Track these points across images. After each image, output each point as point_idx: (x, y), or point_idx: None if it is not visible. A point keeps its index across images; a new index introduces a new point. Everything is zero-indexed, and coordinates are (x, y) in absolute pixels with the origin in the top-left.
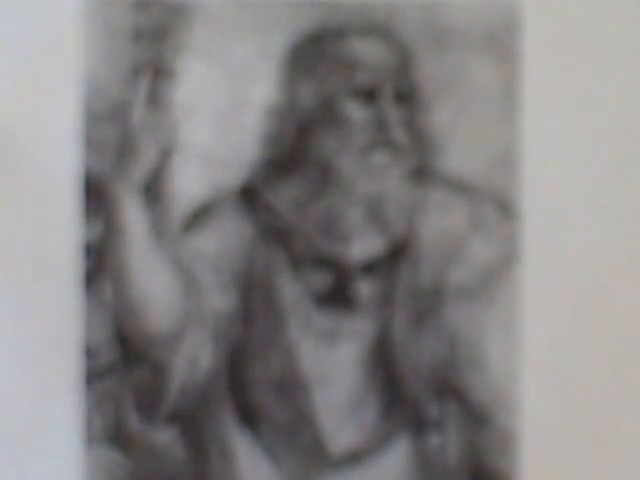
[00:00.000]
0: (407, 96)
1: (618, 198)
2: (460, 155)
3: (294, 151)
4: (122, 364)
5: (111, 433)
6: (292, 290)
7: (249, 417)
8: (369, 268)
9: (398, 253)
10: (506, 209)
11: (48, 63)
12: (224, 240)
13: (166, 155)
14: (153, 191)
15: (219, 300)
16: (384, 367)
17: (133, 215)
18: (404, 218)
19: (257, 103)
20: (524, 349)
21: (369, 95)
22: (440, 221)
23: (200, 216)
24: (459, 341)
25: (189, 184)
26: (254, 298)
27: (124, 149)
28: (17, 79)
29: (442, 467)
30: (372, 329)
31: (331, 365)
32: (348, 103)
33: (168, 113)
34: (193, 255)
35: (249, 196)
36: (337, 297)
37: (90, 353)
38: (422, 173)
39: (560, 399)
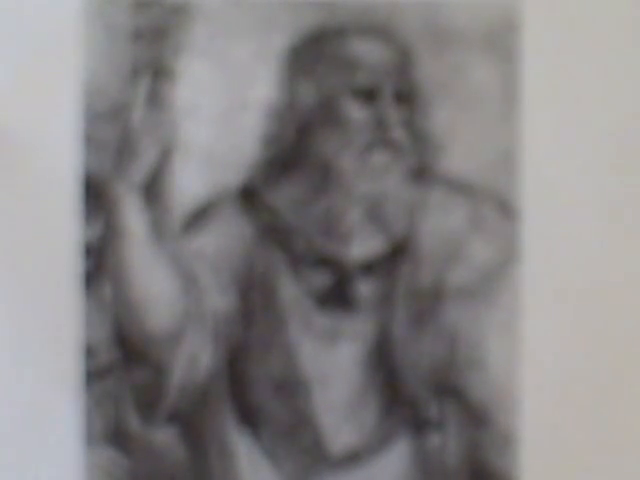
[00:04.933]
0: (407, 96)
1: (618, 198)
2: (460, 155)
3: (294, 151)
4: (122, 364)
5: (111, 433)
6: (292, 290)
7: (249, 417)
8: (369, 268)
9: (398, 253)
10: (506, 209)
11: (48, 63)
12: (224, 240)
13: (166, 155)
14: (153, 191)
15: (219, 300)
16: (384, 367)
17: (133, 215)
18: (404, 218)
19: (257, 103)
20: (524, 349)
21: (369, 95)
22: (440, 221)
23: (200, 216)
24: (459, 341)
25: (189, 184)
26: (254, 298)
27: (124, 149)
28: (17, 79)
29: (442, 467)
30: (372, 329)
31: (331, 365)
32: (348, 103)
33: (168, 113)
34: (193, 255)
35: (249, 196)
36: (337, 297)
37: (90, 353)
38: (422, 173)
39: (560, 399)
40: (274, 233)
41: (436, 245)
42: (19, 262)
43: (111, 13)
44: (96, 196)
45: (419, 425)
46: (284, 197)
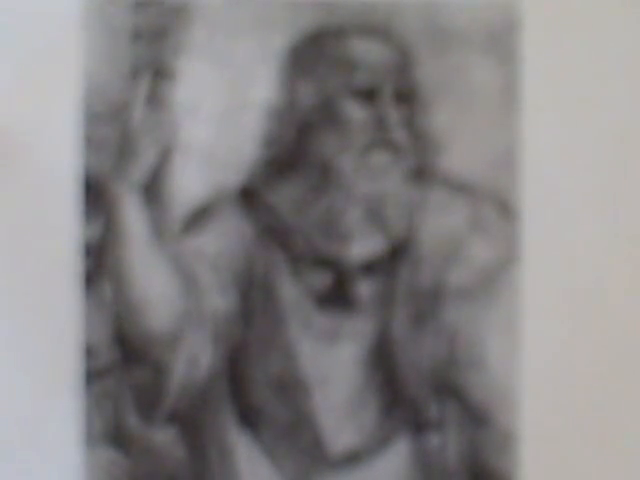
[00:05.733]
0: (407, 96)
1: (618, 198)
2: (460, 155)
3: (294, 151)
4: (122, 364)
5: (111, 433)
6: (292, 290)
7: (249, 417)
8: (369, 268)
9: (398, 253)
10: (506, 209)
11: (48, 63)
12: (224, 240)
13: (166, 155)
14: (153, 191)
15: (219, 300)
16: (384, 367)
17: (133, 215)
18: (404, 218)
19: (257, 103)
20: (524, 349)
21: (369, 95)
22: (440, 221)
23: (200, 216)
24: (459, 341)
25: (189, 184)
26: (254, 298)
27: (124, 149)
28: (17, 79)
29: (442, 467)
30: (372, 329)
31: (331, 365)
32: (348, 103)
33: (168, 113)
34: (193, 255)
35: (249, 196)
36: (337, 297)
37: (90, 353)
38: (422, 173)
39: (560, 399)
40: (274, 233)
41: (436, 245)
42: (19, 262)
43: (111, 13)
44: (96, 196)
45: (419, 425)
46: (284, 197)
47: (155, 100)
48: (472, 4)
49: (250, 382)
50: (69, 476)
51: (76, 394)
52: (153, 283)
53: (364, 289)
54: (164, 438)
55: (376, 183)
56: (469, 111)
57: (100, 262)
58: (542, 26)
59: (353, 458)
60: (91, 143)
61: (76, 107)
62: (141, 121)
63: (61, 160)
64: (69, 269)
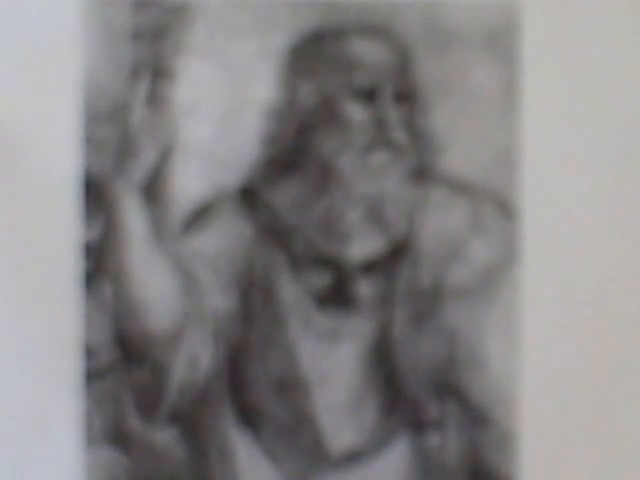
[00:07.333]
0: (407, 96)
1: (618, 198)
2: (460, 155)
3: (294, 151)
4: (122, 364)
5: (111, 433)
6: (292, 290)
7: (249, 417)
8: (369, 268)
9: (398, 253)
10: (506, 209)
11: (48, 63)
12: (224, 240)
13: (166, 155)
14: (153, 191)
15: (219, 300)
16: (384, 367)
17: (133, 215)
18: (404, 218)
19: (257, 103)
20: (524, 349)
21: (369, 95)
22: (440, 221)
23: (200, 216)
24: (459, 341)
25: (189, 184)
26: (254, 298)
27: (124, 149)
28: (17, 79)
29: (442, 467)
30: (372, 329)
31: (331, 365)
32: (348, 103)
33: (168, 113)
34: (193, 255)
35: (249, 196)
36: (337, 297)
37: (90, 353)
38: (422, 173)
39: (560, 399)
40: (274, 233)
41: (436, 245)
42: (19, 262)
43: (111, 13)
44: (96, 196)
45: (419, 425)
46: (284, 197)
47: (155, 100)
48: (472, 4)
49: (250, 382)
50: (69, 476)
51: (76, 394)
52: (153, 283)
53: (364, 289)
54: (164, 438)
55: (376, 183)
56: (469, 111)
57: (100, 262)
58: (542, 26)
59: (353, 458)
60: (91, 143)
61: (76, 107)
62: (141, 121)
63: (61, 160)
64: (69, 269)
